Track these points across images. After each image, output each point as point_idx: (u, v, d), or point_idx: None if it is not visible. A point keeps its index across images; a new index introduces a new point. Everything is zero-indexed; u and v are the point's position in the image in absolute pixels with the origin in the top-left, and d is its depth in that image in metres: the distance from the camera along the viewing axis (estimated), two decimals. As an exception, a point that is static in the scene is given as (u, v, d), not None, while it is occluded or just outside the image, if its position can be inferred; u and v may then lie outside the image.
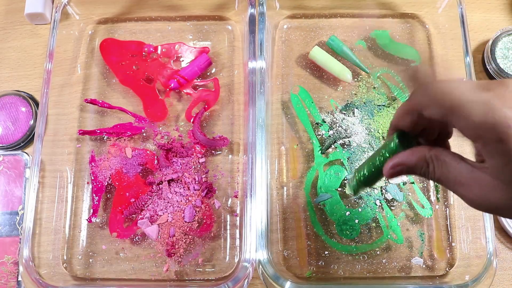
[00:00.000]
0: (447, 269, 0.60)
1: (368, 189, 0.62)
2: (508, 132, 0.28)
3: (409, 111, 0.35)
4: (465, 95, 0.30)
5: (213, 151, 0.65)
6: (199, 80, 0.68)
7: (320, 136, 0.65)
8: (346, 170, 0.63)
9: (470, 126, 0.30)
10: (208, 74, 0.69)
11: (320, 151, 0.64)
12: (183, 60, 0.69)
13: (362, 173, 0.41)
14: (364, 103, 0.66)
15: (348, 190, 0.45)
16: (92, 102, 0.66)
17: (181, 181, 0.62)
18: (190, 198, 0.62)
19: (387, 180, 0.37)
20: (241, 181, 0.63)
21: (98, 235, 0.62)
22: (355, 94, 0.67)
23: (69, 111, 0.67)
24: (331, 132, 0.65)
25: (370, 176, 0.41)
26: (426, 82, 0.33)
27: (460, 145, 0.63)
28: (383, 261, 0.60)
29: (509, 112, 0.28)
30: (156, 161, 0.64)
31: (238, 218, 0.62)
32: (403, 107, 0.36)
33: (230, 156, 0.65)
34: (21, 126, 0.67)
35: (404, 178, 0.62)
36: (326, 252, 0.61)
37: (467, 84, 0.31)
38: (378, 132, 0.64)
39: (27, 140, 0.66)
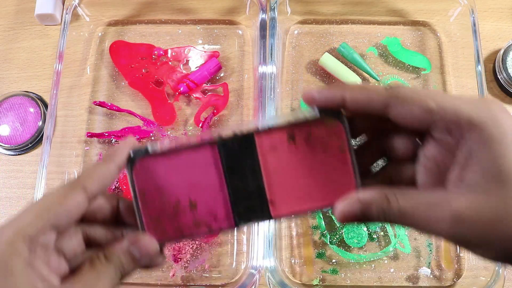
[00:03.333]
0: (454, 279, 0.60)
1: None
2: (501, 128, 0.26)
3: (364, 105, 0.30)
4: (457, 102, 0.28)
5: (221, 156, 0.64)
6: (208, 85, 0.67)
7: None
8: (355, 178, 0.63)
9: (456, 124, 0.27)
10: (217, 78, 0.69)
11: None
12: (192, 64, 0.69)
13: None
14: (374, 110, 0.66)
15: None
16: (101, 104, 0.66)
17: (189, 186, 0.62)
18: (197, 203, 0.61)
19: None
20: (249, 187, 0.63)
21: (104, 238, 0.62)
22: (365, 101, 0.67)
23: (77, 113, 0.67)
24: (340, 139, 0.64)
25: None
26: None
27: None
28: (391, 270, 0.60)
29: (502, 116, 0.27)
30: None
31: (245, 224, 0.61)
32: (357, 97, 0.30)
33: (238, 161, 0.64)
34: (29, 127, 0.67)
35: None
36: (333, 260, 0.60)
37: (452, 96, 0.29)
38: (387, 140, 0.64)
39: (35, 141, 0.66)
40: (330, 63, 0.66)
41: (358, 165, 0.33)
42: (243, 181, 0.33)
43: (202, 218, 0.33)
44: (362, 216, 0.30)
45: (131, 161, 0.33)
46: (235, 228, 0.33)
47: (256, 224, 0.34)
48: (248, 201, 0.33)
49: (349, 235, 0.61)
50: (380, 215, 0.29)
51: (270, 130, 0.33)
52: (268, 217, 0.33)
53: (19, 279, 0.26)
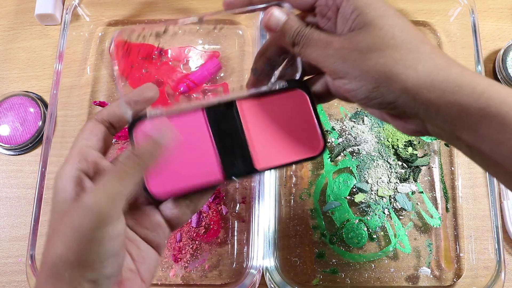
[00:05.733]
0: (454, 279, 0.60)
1: (377, 198, 0.62)
2: None
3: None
4: None
5: (221, 156, 0.65)
6: (208, 85, 0.68)
7: (329, 144, 0.65)
8: (355, 178, 0.63)
9: None
10: (217, 78, 0.69)
11: (330, 159, 0.64)
12: (192, 64, 0.69)
13: None
14: (374, 110, 0.66)
15: None
16: (101, 104, 0.66)
17: (189, 186, 0.62)
18: (197, 203, 0.61)
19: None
20: (249, 187, 0.63)
21: (104, 238, 0.62)
22: (365, 101, 0.67)
23: (77, 113, 0.67)
24: (340, 139, 0.64)
25: None
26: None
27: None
28: (391, 270, 0.60)
29: None
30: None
31: (245, 224, 0.62)
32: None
33: (238, 161, 0.64)
34: (29, 127, 0.67)
35: (413, 187, 0.62)
36: (333, 260, 0.60)
37: None
38: (387, 140, 0.64)
39: (36, 141, 0.66)
40: (330, 63, 0.66)
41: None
42: (228, 140, 0.39)
43: (195, 172, 0.38)
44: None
45: (131, 124, 0.38)
46: (226, 181, 0.38)
47: (244, 178, 0.37)
48: (233, 156, 0.38)
49: (349, 235, 0.61)
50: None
51: (248, 98, 0.40)
52: (253, 169, 0.38)
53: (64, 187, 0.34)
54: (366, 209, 0.62)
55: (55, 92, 0.64)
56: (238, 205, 0.62)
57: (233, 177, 0.38)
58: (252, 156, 0.38)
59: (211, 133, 0.39)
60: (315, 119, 0.40)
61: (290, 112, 0.40)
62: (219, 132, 0.39)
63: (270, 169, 0.39)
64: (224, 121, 0.39)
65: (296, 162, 0.40)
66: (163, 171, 0.37)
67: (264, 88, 0.40)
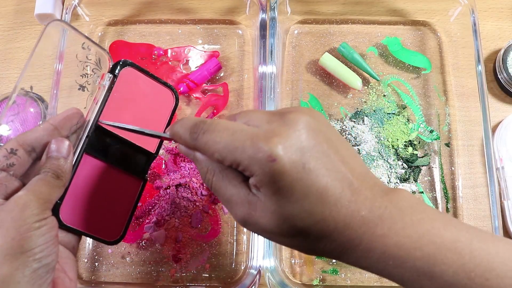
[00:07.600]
0: (455, 279, 0.60)
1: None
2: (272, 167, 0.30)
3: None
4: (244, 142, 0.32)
5: (221, 156, 0.64)
6: (208, 85, 0.67)
7: (329, 144, 0.64)
8: (355, 178, 0.62)
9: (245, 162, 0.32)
10: (217, 78, 0.69)
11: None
12: (192, 64, 0.69)
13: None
14: (374, 111, 0.66)
15: None
16: (101, 104, 0.66)
17: (188, 186, 0.62)
18: (197, 204, 0.61)
19: None
20: (249, 187, 0.63)
21: (104, 239, 0.62)
22: (365, 101, 0.67)
23: (77, 113, 0.67)
24: (340, 139, 0.64)
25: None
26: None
27: (470, 154, 0.63)
28: (391, 270, 0.60)
29: (273, 148, 0.30)
30: (164, 165, 0.64)
31: (245, 224, 0.61)
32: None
33: (238, 161, 0.64)
34: (29, 127, 0.66)
35: (413, 187, 0.62)
36: (333, 260, 0.60)
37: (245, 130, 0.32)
38: (387, 140, 0.64)
39: (35, 141, 0.66)
40: (330, 63, 0.66)
41: None
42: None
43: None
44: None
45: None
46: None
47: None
48: None
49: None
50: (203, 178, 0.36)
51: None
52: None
53: None
54: (366, 209, 0.61)
55: (55, 92, 0.63)
56: (238, 205, 0.62)
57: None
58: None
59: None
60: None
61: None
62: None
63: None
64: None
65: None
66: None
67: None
